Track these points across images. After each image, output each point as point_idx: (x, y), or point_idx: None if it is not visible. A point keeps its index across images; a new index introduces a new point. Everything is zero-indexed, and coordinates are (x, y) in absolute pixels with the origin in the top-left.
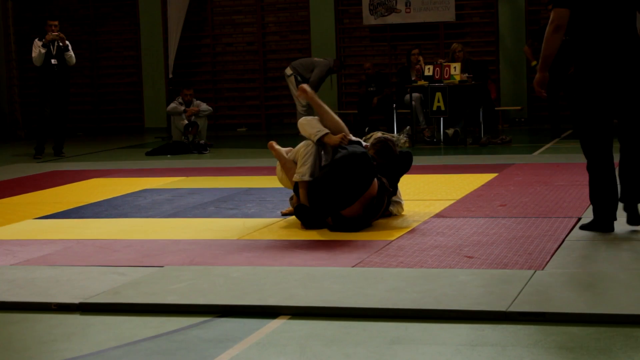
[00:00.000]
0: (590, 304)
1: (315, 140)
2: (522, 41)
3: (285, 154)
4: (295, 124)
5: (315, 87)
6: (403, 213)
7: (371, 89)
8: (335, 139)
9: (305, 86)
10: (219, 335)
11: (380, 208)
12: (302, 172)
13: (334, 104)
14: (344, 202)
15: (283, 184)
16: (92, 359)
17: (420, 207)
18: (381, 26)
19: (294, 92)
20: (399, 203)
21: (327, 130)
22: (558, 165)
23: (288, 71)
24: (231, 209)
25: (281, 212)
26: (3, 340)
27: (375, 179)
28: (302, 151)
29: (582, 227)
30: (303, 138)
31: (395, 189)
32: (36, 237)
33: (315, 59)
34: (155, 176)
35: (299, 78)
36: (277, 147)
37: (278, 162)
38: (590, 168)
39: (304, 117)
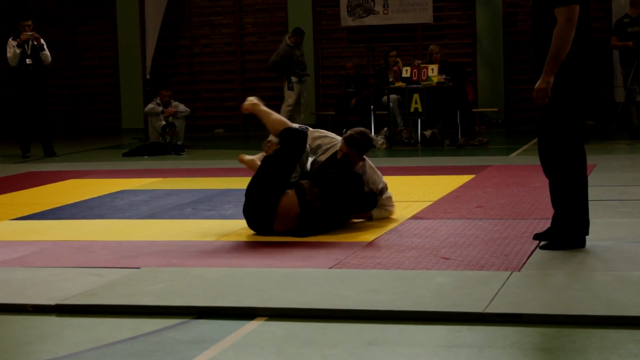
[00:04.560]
0: (567, 305)
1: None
2: (499, 43)
3: (258, 161)
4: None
5: (279, 67)
6: (391, 217)
7: (350, 90)
8: (269, 149)
9: (245, 103)
10: (196, 337)
11: (314, 219)
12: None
13: (311, 105)
14: (257, 221)
15: None
16: None
17: (398, 208)
18: (359, 27)
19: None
20: (383, 207)
21: (269, 143)
22: (535, 167)
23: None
24: (209, 211)
25: None
26: None
27: (293, 194)
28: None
29: (546, 247)
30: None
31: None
32: (12, 239)
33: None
34: (133, 177)
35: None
36: (247, 157)
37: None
38: (576, 177)
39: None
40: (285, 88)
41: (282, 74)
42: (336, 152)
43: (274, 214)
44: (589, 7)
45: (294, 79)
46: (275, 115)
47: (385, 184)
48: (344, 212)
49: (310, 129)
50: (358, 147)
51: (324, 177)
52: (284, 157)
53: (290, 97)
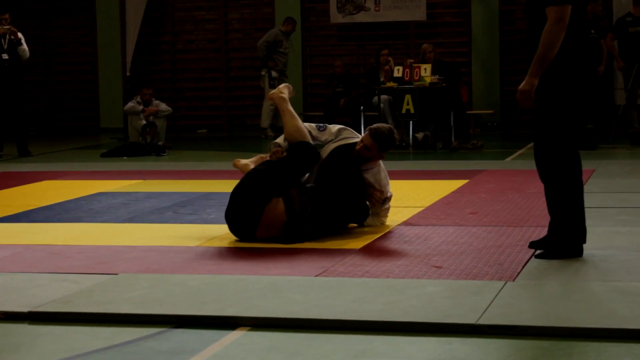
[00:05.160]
0: (563, 317)
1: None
2: (495, 42)
3: (252, 165)
4: (259, 124)
5: (265, 53)
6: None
7: (339, 89)
8: (270, 154)
9: (275, 92)
10: (175, 347)
11: (301, 229)
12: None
13: (298, 105)
14: (240, 226)
15: None
16: None
17: (389, 215)
18: (349, 25)
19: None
20: (377, 216)
21: (278, 143)
22: (531, 172)
23: (263, 71)
24: (190, 215)
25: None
26: None
27: (281, 203)
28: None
29: (542, 256)
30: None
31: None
32: None
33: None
34: (111, 179)
35: (273, 74)
36: (242, 162)
37: None
38: (571, 183)
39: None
40: (266, 85)
41: (265, 61)
42: (348, 144)
43: (258, 220)
44: (586, 7)
45: (274, 73)
46: (298, 122)
47: (391, 195)
48: (333, 222)
49: (329, 126)
50: (382, 141)
51: (316, 186)
52: (284, 169)
53: None
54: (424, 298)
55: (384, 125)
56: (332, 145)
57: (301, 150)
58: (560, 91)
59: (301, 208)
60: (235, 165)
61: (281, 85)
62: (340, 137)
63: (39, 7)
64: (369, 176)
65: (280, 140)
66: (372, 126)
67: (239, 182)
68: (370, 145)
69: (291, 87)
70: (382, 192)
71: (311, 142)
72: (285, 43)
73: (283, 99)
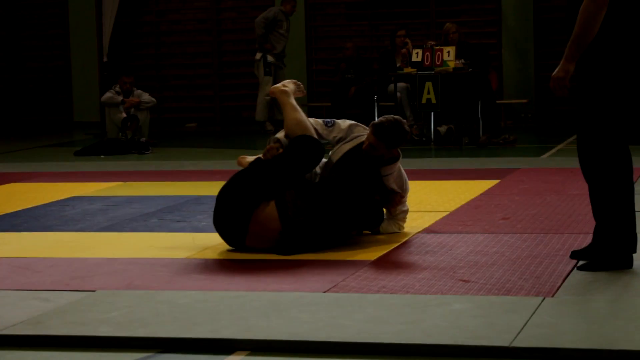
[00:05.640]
0: (610, 338)
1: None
2: (529, 20)
3: None
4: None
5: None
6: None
7: (349, 76)
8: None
9: (276, 85)
10: None
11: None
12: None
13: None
14: (228, 232)
15: None
16: None
17: (407, 219)
18: (360, 1)
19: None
20: (395, 220)
21: (270, 145)
22: (572, 171)
23: (257, 55)
24: (178, 222)
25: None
26: None
27: (273, 208)
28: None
29: (586, 268)
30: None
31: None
32: None
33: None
34: (86, 181)
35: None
36: (249, 159)
37: None
38: (619, 184)
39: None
40: (261, 73)
41: (261, 43)
42: (362, 142)
43: (245, 228)
44: None
45: (270, 58)
46: (300, 114)
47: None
48: (340, 228)
49: (338, 121)
50: (387, 138)
51: (320, 185)
52: (278, 168)
53: (267, 85)
54: (450, 317)
55: (389, 117)
56: (345, 147)
57: (300, 143)
58: (605, 78)
59: (295, 212)
60: (239, 164)
61: (287, 80)
62: (353, 135)
63: None
64: (391, 182)
65: (280, 135)
66: (374, 121)
67: (225, 183)
68: (375, 143)
69: (301, 86)
70: (402, 195)
71: (314, 135)
72: (286, 24)
73: (284, 92)
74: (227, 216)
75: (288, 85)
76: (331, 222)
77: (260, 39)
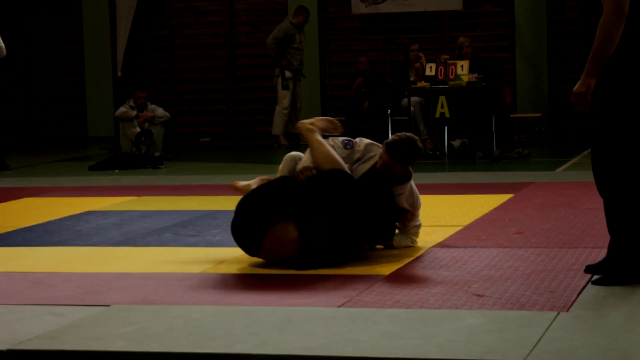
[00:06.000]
0: (626, 353)
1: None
2: (543, 34)
3: (255, 185)
4: (271, 132)
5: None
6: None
7: (363, 90)
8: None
9: (303, 122)
10: None
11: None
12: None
13: (316, 109)
14: (244, 240)
15: None
16: None
17: (421, 234)
18: (373, 16)
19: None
20: (408, 234)
21: (306, 164)
22: (586, 185)
23: (276, 71)
24: (192, 236)
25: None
26: None
27: (294, 229)
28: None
29: (601, 282)
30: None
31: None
32: None
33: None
34: (101, 195)
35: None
36: (242, 184)
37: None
38: (635, 197)
39: (288, 155)
40: (279, 87)
41: (277, 61)
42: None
43: (260, 242)
44: None
45: (288, 74)
46: (327, 148)
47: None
48: (354, 243)
49: (355, 140)
50: (401, 156)
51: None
52: (311, 193)
53: (285, 98)
54: (464, 332)
55: (401, 135)
56: (363, 168)
57: (334, 178)
58: (622, 92)
59: (316, 234)
60: (234, 189)
61: (318, 118)
62: (369, 155)
63: None
64: (402, 202)
65: (308, 162)
66: (388, 140)
67: (247, 194)
68: (389, 162)
69: (337, 124)
70: (413, 213)
71: (347, 170)
72: (299, 37)
73: (310, 129)
74: (244, 227)
75: (316, 123)
76: (347, 239)
77: (276, 59)
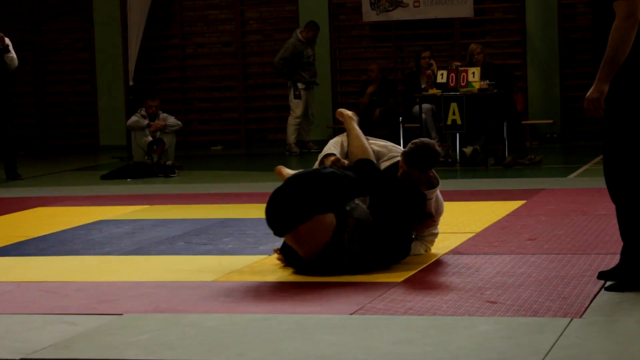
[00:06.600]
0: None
1: (318, 160)
2: (554, 41)
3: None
4: (282, 140)
5: (284, 71)
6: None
7: (374, 98)
8: (327, 161)
9: (342, 111)
10: None
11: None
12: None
13: (328, 116)
14: (278, 221)
15: None
16: None
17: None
18: (385, 23)
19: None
20: (423, 241)
21: (334, 152)
22: (599, 191)
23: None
24: (204, 245)
25: (273, 249)
26: None
27: (332, 218)
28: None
29: (614, 288)
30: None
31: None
32: None
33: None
34: (113, 204)
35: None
36: (287, 171)
37: None
38: None
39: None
40: (291, 96)
41: (288, 76)
42: (397, 165)
43: (298, 223)
44: None
45: (300, 85)
46: (365, 143)
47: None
48: (379, 258)
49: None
50: (420, 164)
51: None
52: (346, 180)
53: (297, 107)
54: (477, 338)
55: (419, 142)
56: (383, 165)
57: (366, 168)
58: (635, 98)
59: (350, 240)
60: (277, 173)
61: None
62: (390, 155)
63: (28, 8)
64: (430, 207)
65: (336, 151)
66: (405, 149)
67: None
68: (409, 170)
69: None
70: (435, 219)
71: (375, 162)
72: (309, 51)
73: (352, 118)
74: (288, 206)
75: (352, 116)
76: (376, 252)
77: (286, 75)
